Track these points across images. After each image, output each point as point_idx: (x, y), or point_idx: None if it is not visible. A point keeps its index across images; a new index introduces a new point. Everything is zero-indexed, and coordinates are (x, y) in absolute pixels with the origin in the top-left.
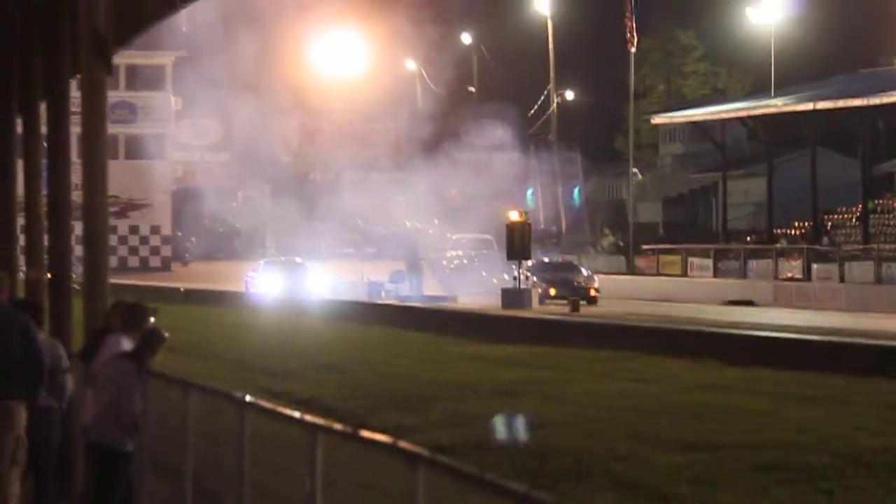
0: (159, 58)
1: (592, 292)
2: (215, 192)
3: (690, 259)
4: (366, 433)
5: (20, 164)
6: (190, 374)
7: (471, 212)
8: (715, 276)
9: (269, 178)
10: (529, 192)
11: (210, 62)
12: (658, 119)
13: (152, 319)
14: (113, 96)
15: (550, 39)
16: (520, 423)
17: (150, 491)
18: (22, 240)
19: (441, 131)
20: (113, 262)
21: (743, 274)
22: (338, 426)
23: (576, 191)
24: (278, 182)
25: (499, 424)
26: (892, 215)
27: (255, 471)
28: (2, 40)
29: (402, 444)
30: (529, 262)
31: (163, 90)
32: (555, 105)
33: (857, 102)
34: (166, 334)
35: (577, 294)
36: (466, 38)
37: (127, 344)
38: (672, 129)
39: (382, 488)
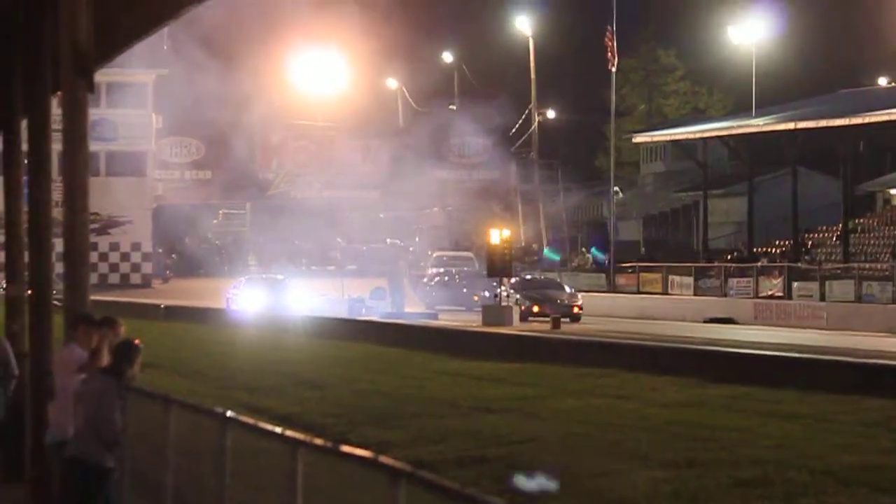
0: (140, 75)
1: (576, 310)
2: (196, 209)
3: (671, 277)
4: (346, 448)
5: (0, 181)
6: (171, 391)
7: (452, 229)
8: (695, 294)
9: (249, 196)
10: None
11: (191, 80)
12: (639, 138)
13: (122, 329)
14: (94, 113)
15: (532, 58)
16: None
17: None
18: (2, 256)
19: (422, 149)
20: (93, 278)
21: (723, 292)
22: (318, 441)
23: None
24: (259, 199)
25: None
26: (872, 234)
27: (236, 487)
28: None
29: (383, 459)
30: (512, 280)
31: (144, 108)
32: (536, 123)
33: (839, 122)
34: (140, 343)
35: (561, 312)
36: (448, 57)
37: (79, 352)
38: (653, 148)
39: None
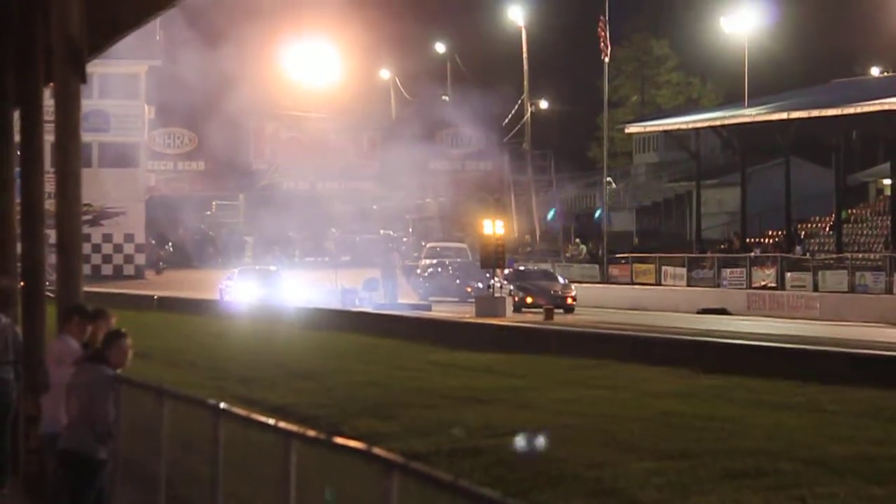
0: (133, 66)
1: (569, 301)
2: (189, 200)
3: (664, 268)
4: (339, 440)
5: None
6: (164, 382)
7: (445, 219)
8: (688, 284)
9: (242, 187)
10: (552, 212)
11: (183, 71)
12: (632, 128)
13: (113, 320)
14: (86, 105)
15: (524, 48)
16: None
17: (124, 498)
18: None
19: (415, 140)
20: (86, 270)
21: (717, 283)
22: (311, 433)
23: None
24: (252, 190)
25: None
26: (865, 224)
27: (229, 478)
28: None
29: (376, 450)
30: (506, 271)
31: (136, 99)
32: (529, 114)
33: (831, 112)
34: (124, 330)
35: (555, 303)
36: (440, 48)
37: (74, 345)
38: (646, 139)
39: (356, 496)
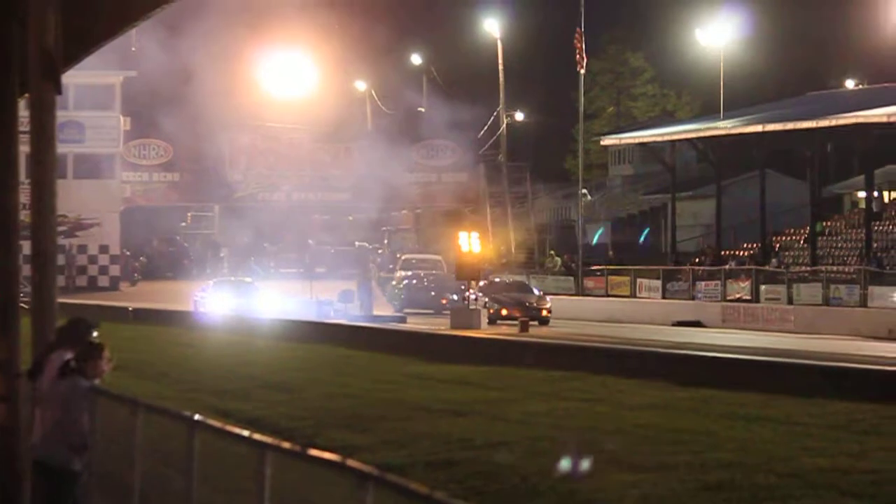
0: (108, 77)
1: (544, 313)
2: (164, 211)
3: (639, 280)
4: (314, 452)
5: None
6: (138, 394)
7: (420, 231)
8: (664, 297)
9: (218, 198)
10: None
11: (158, 83)
12: (607, 140)
13: (95, 333)
14: (62, 115)
15: (500, 60)
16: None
17: None
18: None
19: (391, 152)
20: (61, 281)
21: (691, 295)
22: (286, 445)
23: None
24: (227, 201)
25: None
26: (839, 237)
27: (204, 490)
28: None
29: (351, 462)
30: (481, 283)
31: (112, 110)
32: (504, 126)
33: (806, 125)
34: (102, 343)
35: (530, 315)
36: (416, 60)
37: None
38: (621, 151)
39: None
